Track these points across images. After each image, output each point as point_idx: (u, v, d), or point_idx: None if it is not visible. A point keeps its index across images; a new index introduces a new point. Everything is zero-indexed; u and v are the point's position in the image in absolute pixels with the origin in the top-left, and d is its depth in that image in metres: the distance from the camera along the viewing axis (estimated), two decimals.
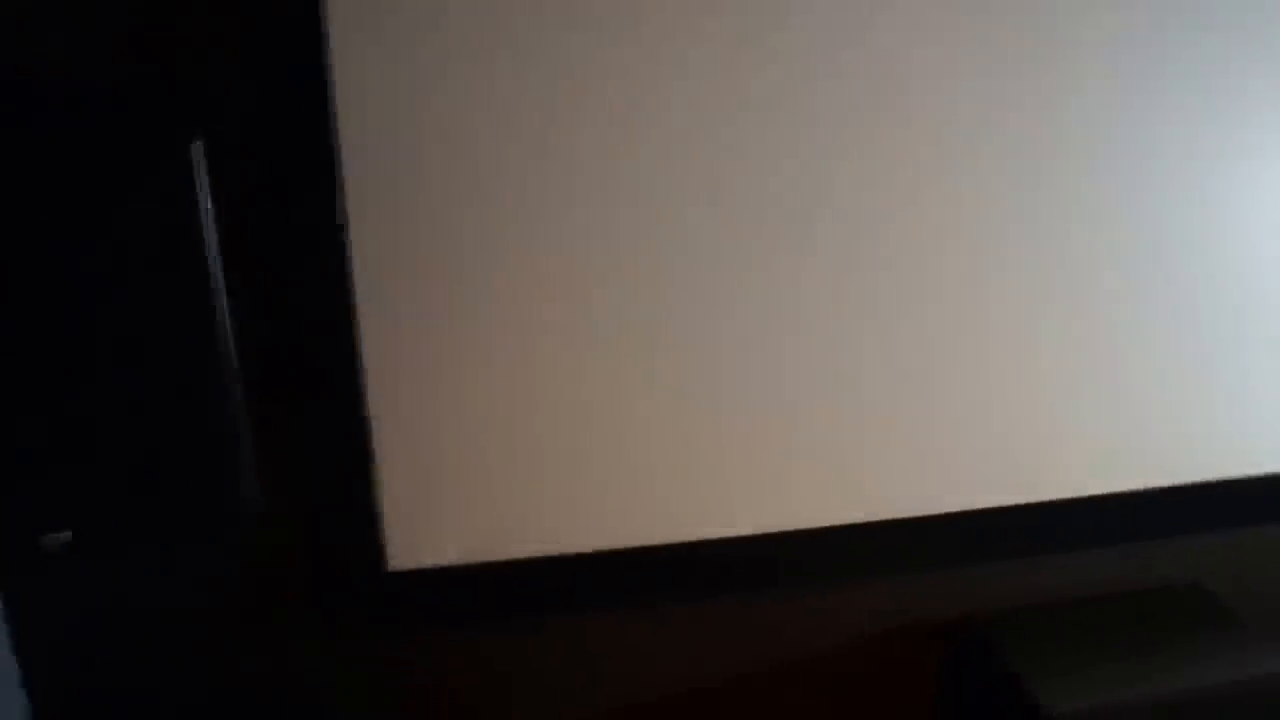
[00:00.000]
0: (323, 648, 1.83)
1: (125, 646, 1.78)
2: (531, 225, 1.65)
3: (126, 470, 1.40)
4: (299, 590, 1.79)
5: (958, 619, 2.01)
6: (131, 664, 1.79)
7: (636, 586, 1.89)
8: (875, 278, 1.77)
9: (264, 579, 1.77)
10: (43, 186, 1.31)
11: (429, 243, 1.63)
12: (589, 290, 1.70)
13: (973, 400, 1.86)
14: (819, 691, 2.04)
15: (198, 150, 1.46)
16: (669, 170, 1.66)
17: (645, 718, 1.99)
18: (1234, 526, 2.09)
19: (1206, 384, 1.94)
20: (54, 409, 1.35)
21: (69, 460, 1.38)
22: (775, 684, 2.02)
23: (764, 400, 1.79)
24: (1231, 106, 1.80)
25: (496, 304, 1.67)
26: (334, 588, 1.80)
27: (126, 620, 1.76)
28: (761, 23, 1.62)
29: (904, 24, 1.66)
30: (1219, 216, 1.86)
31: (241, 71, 1.52)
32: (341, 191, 1.58)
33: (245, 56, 1.52)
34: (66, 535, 1.41)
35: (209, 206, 1.48)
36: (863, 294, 1.77)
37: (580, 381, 1.73)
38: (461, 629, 1.87)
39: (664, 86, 1.63)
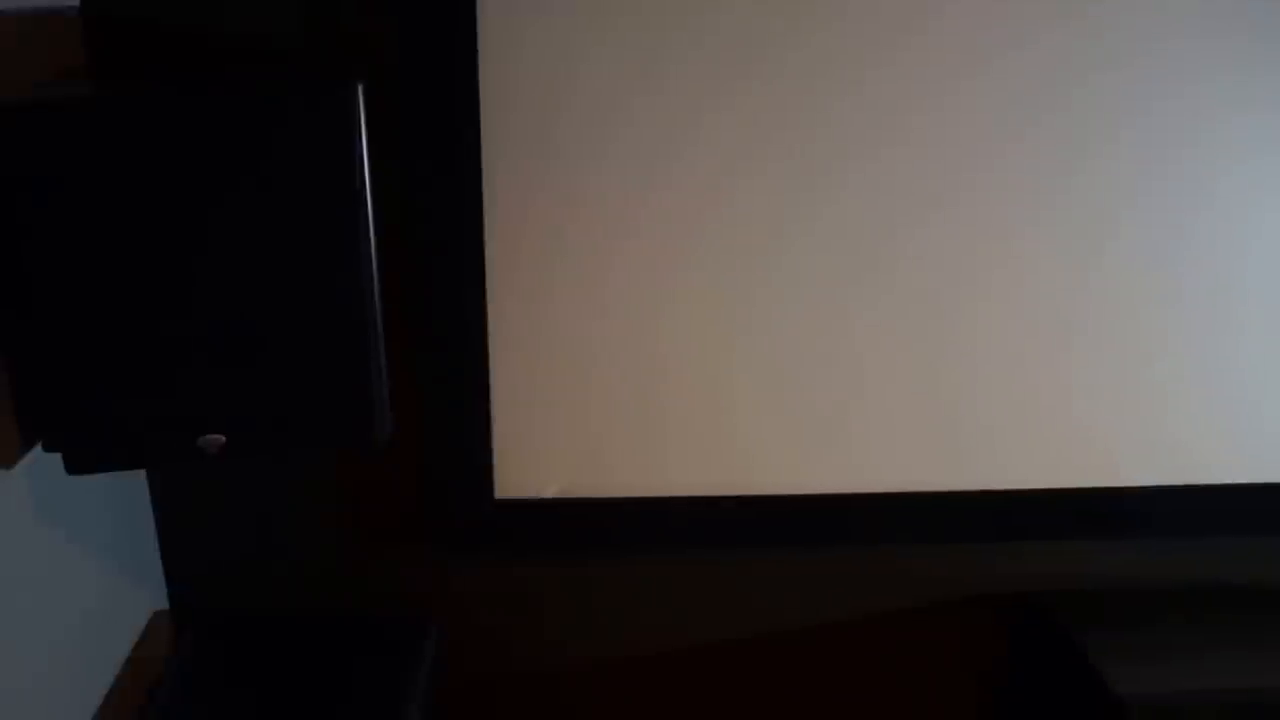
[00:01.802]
0: (432, 567, 1.97)
1: (256, 547, 1.95)
2: (654, 193, 1.74)
3: (279, 386, 1.54)
4: (415, 510, 1.92)
5: (1030, 594, 2.07)
6: (259, 564, 1.96)
7: (718, 534, 1.99)
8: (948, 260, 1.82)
9: (386, 498, 1.92)
10: (215, 119, 1.43)
11: (556, 202, 1.74)
12: (699, 256, 1.78)
13: (1060, 385, 1.91)
14: (888, 654, 2.12)
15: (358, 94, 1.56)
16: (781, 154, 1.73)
17: (719, 661, 2.10)
18: None
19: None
20: (214, 327, 1.49)
21: (228, 371, 1.52)
22: (847, 642, 2.11)
23: (851, 366, 1.87)
24: (1231, 99, 1.77)
25: (612, 259, 1.77)
26: (447, 511, 1.93)
27: (260, 522, 1.93)
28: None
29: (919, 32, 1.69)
30: (1229, 217, 1.85)
31: (399, 25, 1.64)
32: (479, 147, 1.68)
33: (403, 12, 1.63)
34: (221, 438, 1.55)
35: (364, 149, 1.59)
36: (969, 269, 1.83)
37: (678, 339, 1.83)
38: (558, 559, 1.99)
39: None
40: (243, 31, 1.61)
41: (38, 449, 1.45)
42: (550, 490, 1.91)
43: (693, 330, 1.83)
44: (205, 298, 1.47)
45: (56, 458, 1.43)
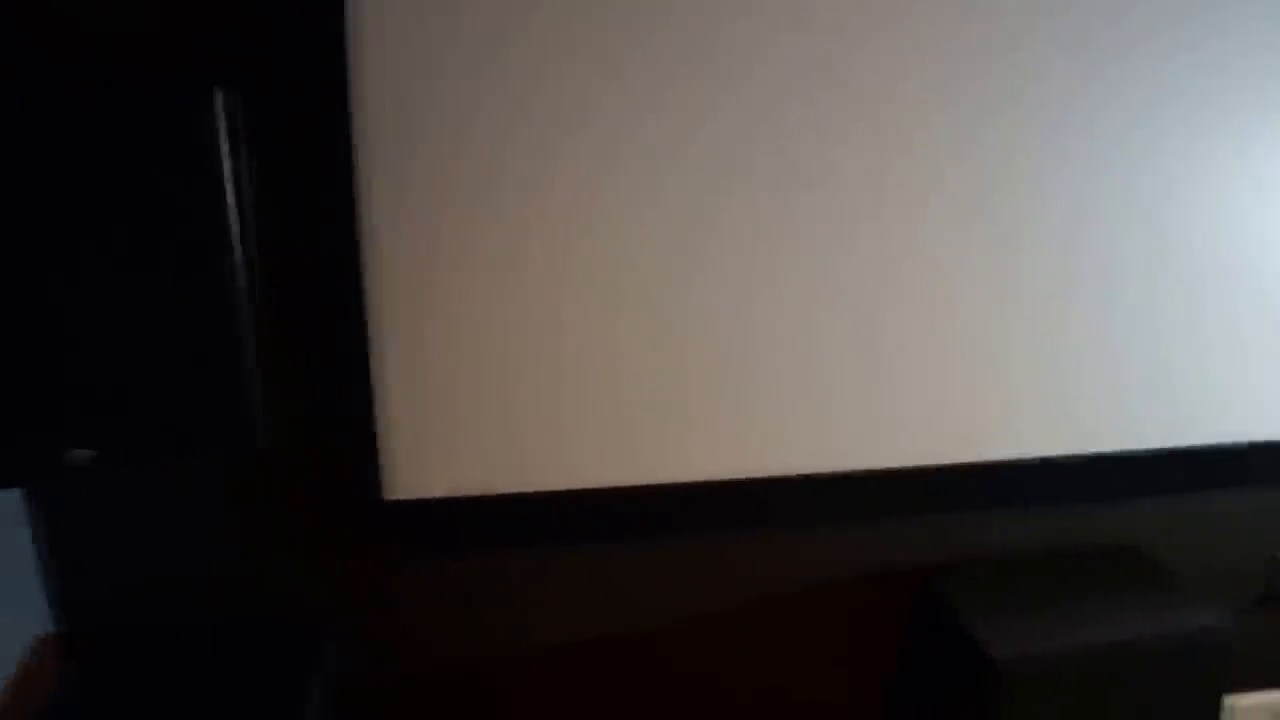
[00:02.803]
0: (321, 569, 1.97)
1: (138, 565, 1.92)
2: (539, 167, 1.75)
3: (151, 395, 1.52)
4: (301, 513, 1.92)
5: (921, 569, 2.15)
6: (142, 582, 1.93)
7: (615, 525, 2.03)
8: (859, 249, 1.87)
9: (270, 502, 1.91)
10: (72, 127, 1.41)
11: (437, 186, 1.73)
12: (587, 239, 1.80)
13: (947, 367, 1.98)
14: (789, 632, 2.18)
15: (219, 99, 1.55)
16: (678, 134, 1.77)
17: (618, 651, 2.13)
18: (1174, 493, 2.22)
19: (1159, 357, 2.05)
20: (79, 338, 1.47)
21: (92, 384, 1.50)
22: (748, 623, 2.16)
23: (748, 353, 1.90)
24: (1191, 87, 1.89)
25: (499, 246, 1.77)
26: (334, 513, 1.93)
27: (150, 533, 1.90)
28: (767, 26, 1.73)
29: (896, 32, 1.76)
30: (1168, 194, 1.95)
31: (261, 29, 1.63)
32: (353, 135, 1.68)
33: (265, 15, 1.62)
34: (89, 452, 1.53)
35: (227, 154, 1.58)
36: (848, 261, 1.88)
37: (573, 327, 1.84)
38: (450, 557, 2.00)
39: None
40: (106, 32, 1.58)
41: None
42: (440, 489, 1.91)
43: (581, 323, 1.85)
44: (72, 309, 1.45)
45: None
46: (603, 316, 1.85)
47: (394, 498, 1.89)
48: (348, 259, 1.75)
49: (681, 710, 2.20)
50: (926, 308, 1.93)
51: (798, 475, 1.99)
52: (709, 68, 1.75)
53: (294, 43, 1.65)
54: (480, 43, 1.67)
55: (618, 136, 1.76)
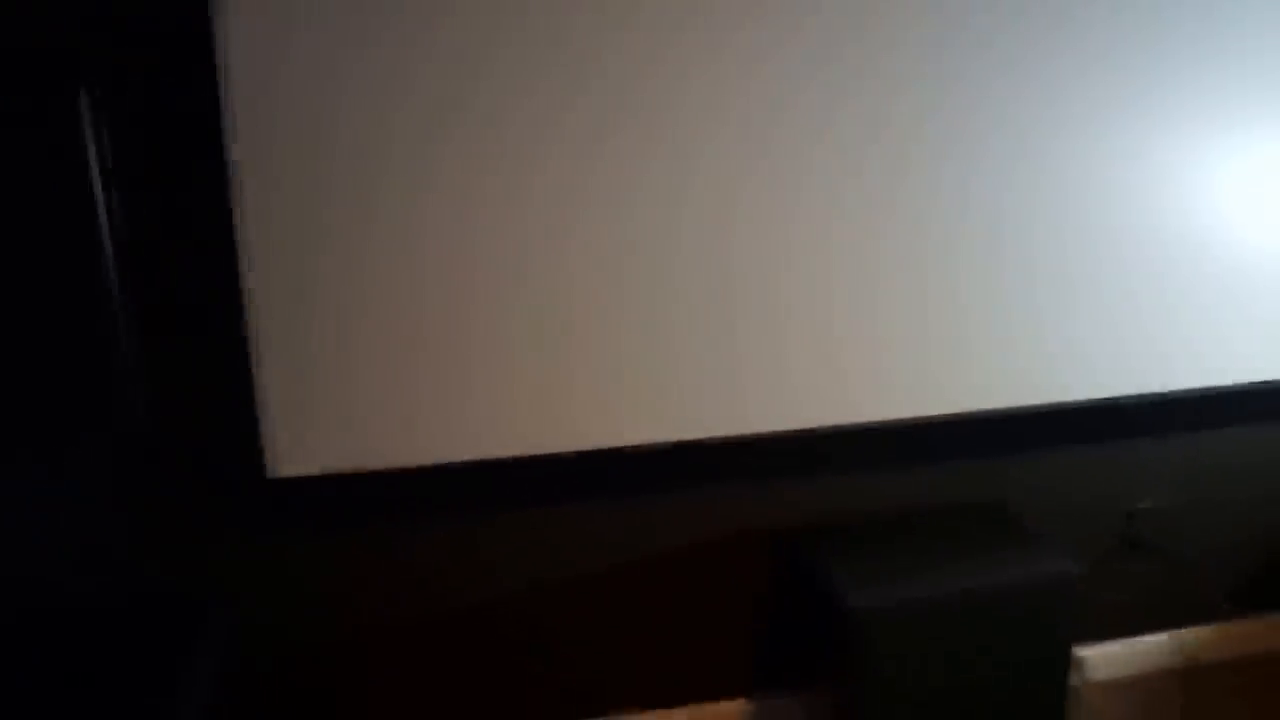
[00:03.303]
0: (205, 548, 2.03)
1: (22, 550, 1.97)
2: (415, 145, 1.82)
3: (22, 384, 1.58)
4: (182, 495, 1.99)
5: (789, 529, 2.26)
6: (25, 566, 1.98)
7: (490, 497, 2.12)
8: (730, 210, 1.97)
9: (150, 485, 1.97)
10: None
11: (311, 165, 1.80)
12: (460, 212, 1.88)
13: (811, 325, 2.07)
14: (660, 594, 2.28)
15: (84, 99, 1.62)
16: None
17: (496, 618, 2.22)
18: (1037, 449, 2.35)
19: (1023, 316, 2.16)
20: None
21: None
22: (624, 586, 2.26)
23: (613, 323, 1.99)
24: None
25: (374, 227, 1.85)
26: (216, 494, 2.00)
27: (23, 524, 1.95)
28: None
29: None
30: (1046, 149, 2.08)
31: (126, 28, 1.69)
32: (223, 121, 1.74)
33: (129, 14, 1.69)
34: None
35: (94, 147, 1.64)
36: (717, 222, 1.97)
37: (443, 305, 1.92)
38: (334, 532, 2.08)
39: None
40: None
41: None
42: (322, 465, 1.99)
43: (453, 298, 1.92)
44: None
45: None
46: (471, 293, 1.92)
47: (276, 475, 1.96)
48: (222, 242, 1.81)
49: (559, 673, 2.30)
50: (791, 269, 2.03)
51: (665, 442, 2.08)
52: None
53: (160, 39, 1.71)
54: (350, 22, 1.74)
55: (501, 105, 1.84)
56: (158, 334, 1.84)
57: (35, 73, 1.68)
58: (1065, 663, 2.15)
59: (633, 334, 2.01)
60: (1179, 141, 2.14)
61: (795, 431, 2.14)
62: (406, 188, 1.85)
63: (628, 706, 2.35)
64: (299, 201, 1.82)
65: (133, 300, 1.77)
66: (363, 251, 1.86)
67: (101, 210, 1.65)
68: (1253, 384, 2.35)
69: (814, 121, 1.97)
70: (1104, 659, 2.57)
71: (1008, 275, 2.13)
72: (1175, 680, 2.58)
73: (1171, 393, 2.29)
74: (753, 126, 1.95)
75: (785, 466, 2.23)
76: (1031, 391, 2.23)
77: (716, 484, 2.22)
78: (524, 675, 2.28)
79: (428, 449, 2.01)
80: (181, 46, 1.72)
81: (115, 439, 1.77)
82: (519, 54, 1.83)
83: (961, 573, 2.08)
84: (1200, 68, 2.11)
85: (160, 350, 1.85)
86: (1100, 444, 2.40)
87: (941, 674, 2.06)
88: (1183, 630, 2.61)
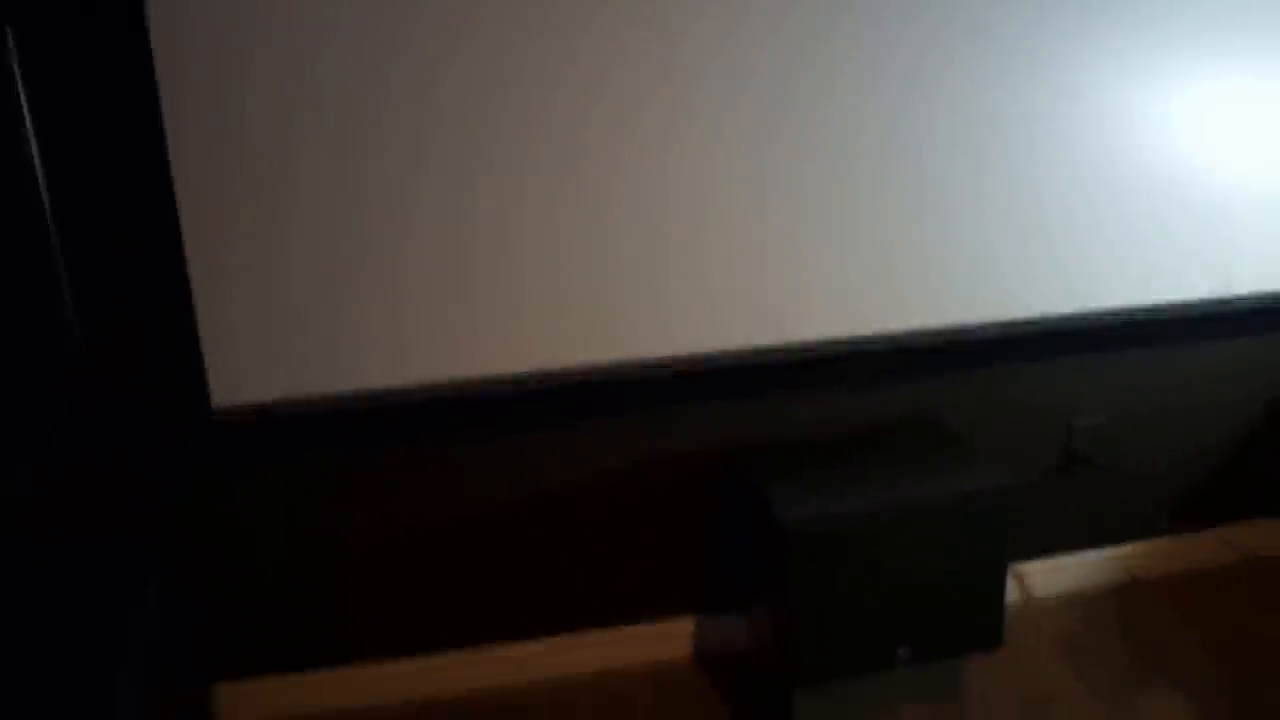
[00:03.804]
0: (152, 483, 2.08)
1: None
2: (355, 58, 1.85)
3: None
4: (127, 425, 2.03)
5: (728, 450, 2.31)
6: None
7: (431, 422, 2.17)
8: (656, 135, 2.02)
9: (93, 412, 2.01)
10: None
11: (247, 85, 1.83)
12: (400, 132, 1.91)
13: (742, 247, 2.12)
14: (606, 514, 2.34)
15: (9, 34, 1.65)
16: None
17: (448, 545, 2.28)
18: (974, 368, 2.40)
19: (958, 233, 2.21)
20: None
21: None
22: (568, 507, 2.32)
23: (552, 242, 2.03)
24: None
25: (314, 142, 1.88)
26: (162, 425, 2.04)
27: None
28: None
29: None
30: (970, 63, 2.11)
31: None
32: (153, 47, 1.76)
33: None
34: None
35: (21, 80, 1.67)
36: (654, 143, 2.02)
37: (382, 225, 1.96)
38: (281, 462, 2.14)
39: None
40: None
41: None
42: (267, 395, 2.03)
43: (392, 224, 1.96)
44: None
45: None
46: (409, 218, 1.96)
47: (221, 405, 2.01)
48: (157, 171, 1.84)
49: (509, 595, 2.36)
50: (726, 190, 2.07)
51: (609, 364, 2.14)
52: None
53: None
54: None
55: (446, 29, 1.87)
56: (93, 266, 1.88)
57: None
58: (1002, 578, 2.20)
59: (576, 256, 2.06)
60: (1121, 63, 2.17)
61: (736, 352, 2.19)
62: (346, 107, 1.88)
63: (578, 625, 2.42)
64: (232, 125, 1.85)
65: (65, 231, 1.80)
66: (298, 176, 1.89)
67: (31, 140, 1.68)
68: (1193, 302, 2.39)
69: (752, 50, 2.01)
70: (1044, 575, 2.64)
71: (942, 195, 2.17)
72: (1115, 596, 2.64)
73: (1110, 310, 2.34)
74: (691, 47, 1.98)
75: (729, 388, 2.28)
76: (969, 310, 2.27)
77: (662, 406, 2.27)
78: (473, 597, 2.34)
79: (369, 376, 2.06)
80: None
81: (55, 377, 1.80)
82: None
83: (897, 486, 2.12)
84: None
85: (96, 284, 1.89)
86: (1039, 361, 2.44)
87: (877, 589, 2.11)
88: (1123, 546, 2.67)
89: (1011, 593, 2.49)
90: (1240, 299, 2.41)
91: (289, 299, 1.97)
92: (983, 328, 2.29)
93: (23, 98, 1.71)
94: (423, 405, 2.12)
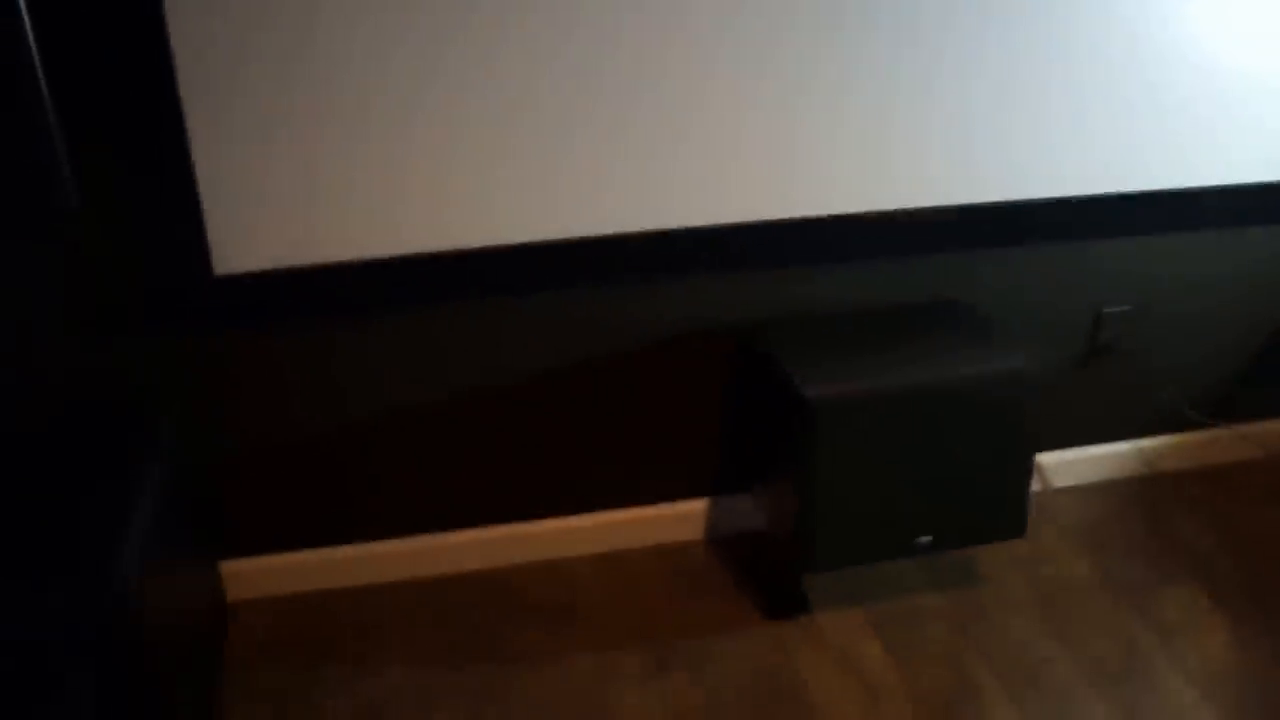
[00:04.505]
0: (150, 349, 2.01)
1: None
2: None
3: None
4: (128, 295, 1.95)
5: (747, 323, 2.24)
6: None
7: (440, 289, 2.08)
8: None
9: (93, 284, 1.93)
10: None
11: None
12: None
13: (765, 115, 2.01)
14: (618, 389, 2.27)
15: None
16: None
17: (450, 414, 2.21)
18: (1002, 247, 2.30)
19: (990, 107, 2.10)
20: None
21: None
22: (578, 382, 2.24)
23: (561, 110, 1.93)
24: None
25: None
26: (161, 292, 1.96)
27: None
28: None
29: None
30: None
31: None
32: None
33: None
34: None
35: None
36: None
37: (389, 89, 1.85)
38: (281, 330, 2.05)
39: None
40: None
41: None
42: (267, 261, 1.95)
43: (398, 85, 1.85)
44: None
45: None
46: (419, 80, 1.86)
47: (222, 272, 1.93)
48: (154, 22, 1.73)
49: (514, 474, 2.31)
50: (756, 61, 1.96)
51: (619, 234, 2.05)
52: None
53: None
54: None
55: None
56: (88, 115, 1.78)
57: None
58: (1028, 466, 2.15)
59: (589, 121, 1.95)
60: None
61: (757, 224, 2.11)
62: None
63: (588, 506, 2.38)
64: None
65: (61, 84, 1.70)
66: (304, 32, 1.78)
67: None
68: (1228, 185, 2.30)
69: None
70: (1065, 465, 2.59)
71: (975, 68, 2.06)
72: (1136, 489, 2.61)
73: (1145, 192, 2.25)
74: None
75: (748, 261, 2.19)
76: (999, 187, 2.18)
77: (679, 279, 2.18)
78: (480, 476, 2.29)
79: (375, 243, 1.98)
80: None
81: (46, 214, 1.72)
82: None
83: (923, 366, 2.06)
84: None
85: (92, 132, 1.79)
86: (1069, 244, 2.34)
87: (898, 472, 2.06)
88: (1145, 439, 2.62)
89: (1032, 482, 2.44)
90: None
91: (293, 162, 1.87)
92: (1012, 206, 2.21)
93: None
94: (429, 275, 2.05)
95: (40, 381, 1.98)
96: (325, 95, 1.84)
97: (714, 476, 2.41)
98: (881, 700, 2.03)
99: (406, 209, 1.96)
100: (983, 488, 2.13)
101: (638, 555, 2.42)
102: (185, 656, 1.87)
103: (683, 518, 2.43)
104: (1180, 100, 2.18)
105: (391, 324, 2.10)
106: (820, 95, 2.02)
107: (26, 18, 1.55)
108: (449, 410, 2.20)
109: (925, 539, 2.13)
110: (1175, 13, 2.09)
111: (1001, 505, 2.16)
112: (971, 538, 2.19)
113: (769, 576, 2.32)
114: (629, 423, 2.30)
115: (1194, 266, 2.44)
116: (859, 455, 2.03)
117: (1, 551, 1.63)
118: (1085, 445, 2.59)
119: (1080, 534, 2.46)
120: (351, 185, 1.92)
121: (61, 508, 1.72)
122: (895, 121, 2.07)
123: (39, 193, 1.60)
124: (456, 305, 2.11)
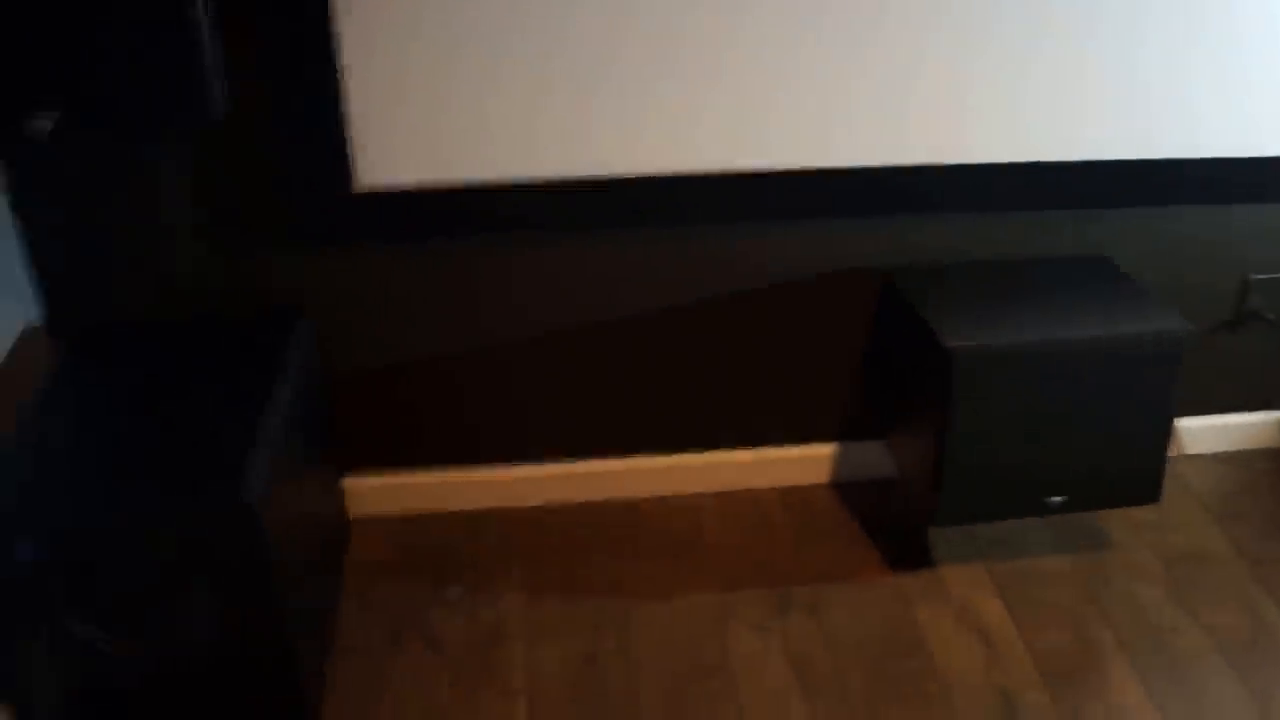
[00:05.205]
0: (292, 260, 2.02)
1: (114, 258, 1.97)
2: None
3: (105, 60, 1.52)
4: (271, 204, 1.96)
5: (890, 268, 2.18)
6: (119, 275, 1.99)
7: (591, 215, 2.05)
8: None
9: (239, 191, 1.94)
10: None
11: None
12: None
13: (915, 59, 1.94)
14: (752, 328, 2.23)
15: None
16: None
17: (597, 340, 2.19)
18: (1149, 206, 2.20)
19: (1140, 68, 2.00)
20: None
21: (54, 48, 1.51)
22: (711, 318, 2.21)
23: (730, 42, 1.87)
24: None
25: None
26: (302, 203, 1.96)
27: (124, 228, 1.95)
28: None
29: None
30: None
31: None
32: None
33: None
34: (49, 120, 1.55)
35: None
36: None
37: (548, 12, 1.81)
38: (420, 249, 2.04)
39: None
40: None
41: None
42: (413, 177, 1.93)
43: (561, 8, 1.81)
44: None
45: None
46: (567, 7, 1.81)
47: (364, 188, 1.92)
48: None
49: (646, 410, 2.29)
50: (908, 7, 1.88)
51: (768, 170, 2.00)
52: None
53: None
54: None
55: None
56: (241, 28, 1.76)
57: None
58: (1167, 430, 2.07)
59: (748, 57, 1.89)
60: None
61: (902, 168, 2.04)
62: None
63: (715, 443, 2.36)
64: None
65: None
66: None
67: None
68: None
69: None
70: (1201, 432, 2.50)
71: (1132, 21, 1.95)
72: (1273, 461, 2.51)
73: None
74: None
75: (891, 204, 2.13)
76: (1148, 144, 2.07)
77: (824, 218, 2.12)
78: (604, 406, 2.28)
79: (516, 165, 1.94)
80: None
81: (194, 123, 1.72)
82: None
83: (1065, 322, 1.98)
84: None
85: (244, 44, 1.78)
86: (1218, 207, 2.24)
87: (1035, 430, 2.00)
88: None
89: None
90: None
91: (438, 79, 1.84)
92: (1162, 164, 2.11)
93: None
94: (568, 201, 2.02)
95: (186, 284, 2.01)
96: (475, 12, 1.80)
97: (844, 421, 2.37)
98: (1001, 659, 1.99)
99: (551, 132, 1.92)
100: (1120, 450, 2.06)
101: (762, 496, 2.39)
102: (308, 568, 1.90)
103: (810, 461, 2.40)
104: None
105: (528, 249, 2.07)
106: (995, 43, 1.93)
107: None
108: (580, 339, 2.18)
109: (1057, 499, 2.07)
110: None
111: (1137, 469, 2.09)
112: (1104, 500, 2.12)
113: (894, 527, 2.28)
114: (762, 362, 2.26)
115: None
116: (997, 409, 1.96)
117: (139, 451, 1.65)
118: (1222, 413, 2.50)
119: (1212, 503, 2.37)
120: (495, 105, 1.88)
121: (199, 408, 1.75)
122: (1040, 73, 1.97)
123: (188, 99, 1.58)
124: (596, 233, 2.07)
